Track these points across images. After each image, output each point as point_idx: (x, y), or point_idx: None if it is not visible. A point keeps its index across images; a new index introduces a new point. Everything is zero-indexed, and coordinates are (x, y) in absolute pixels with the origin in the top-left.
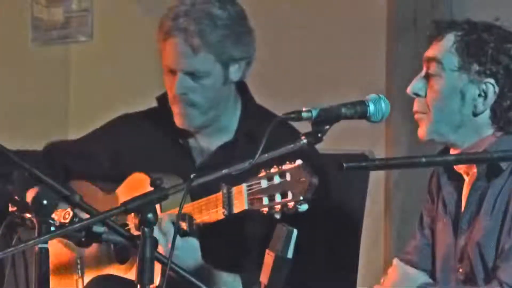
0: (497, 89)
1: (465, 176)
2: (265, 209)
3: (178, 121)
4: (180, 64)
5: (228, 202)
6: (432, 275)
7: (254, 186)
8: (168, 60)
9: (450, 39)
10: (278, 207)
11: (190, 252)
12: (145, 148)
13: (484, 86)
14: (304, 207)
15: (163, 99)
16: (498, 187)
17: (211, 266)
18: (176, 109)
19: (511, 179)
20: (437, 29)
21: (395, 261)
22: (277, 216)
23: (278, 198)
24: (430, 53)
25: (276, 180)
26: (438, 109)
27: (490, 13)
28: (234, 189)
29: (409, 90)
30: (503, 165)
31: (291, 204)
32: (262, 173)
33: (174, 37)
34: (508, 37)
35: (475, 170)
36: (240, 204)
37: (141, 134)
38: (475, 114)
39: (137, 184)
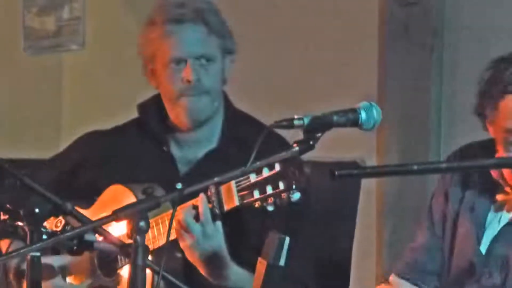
0: None
1: (508, 189)
2: (257, 203)
3: (187, 114)
4: (193, 48)
5: (218, 201)
6: (439, 278)
7: (243, 182)
8: (176, 50)
9: None
10: (270, 198)
11: (218, 237)
12: (125, 161)
13: None
14: (296, 195)
15: (145, 107)
16: None
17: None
18: (185, 101)
19: None
20: None
21: (392, 277)
22: (270, 209)
23: (269, 190)
24: None
25: (265, 172)
26: None
27: (483, 20)
28: (223, 187)
29: None
30: None
31: (284, 194)
32: (250, 169)
33: (183, 22)
34: None
35: None
36: (231, 201)
37: (118, 146)
38: None
39: (115, 196)
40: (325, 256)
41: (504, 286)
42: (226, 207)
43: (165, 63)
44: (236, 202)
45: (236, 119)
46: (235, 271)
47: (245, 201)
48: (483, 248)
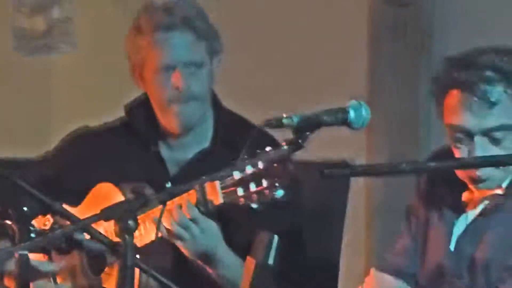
0: None
1: (472, 187)
2: (241, 200)
3: (178, 121)
4: (182, 55)
5: (202, 199)
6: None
7: (226, 179)
8: (164, 57)
9: (504, 99)
10: (254, 196)
11: (212, 232)
12: (113, 161)
13: None
14: (279, 192)
15: (133, 108)
16: None
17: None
18: (175, 108)
19: None
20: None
21: (373, 271)
22: (254, 206)
23: (252, 187)
24: (493, 121)
25: (249, 170)
26: None
27: (473, 20)
28: (207, 185)
29: (479, 175)
30: None
31: (266, 191)
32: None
33: (172, 29)
34: None
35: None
36: (215, 199)
37: (107, 146)
38: None
39: (103, 194)
40: (314, 255)
41: (473, 287)
42: (210, 205)
43: (154, 70)
44: (220, 200)
45: (227, 120)
46: (232, 261)
47: (228, 199)
48: (452, 248)
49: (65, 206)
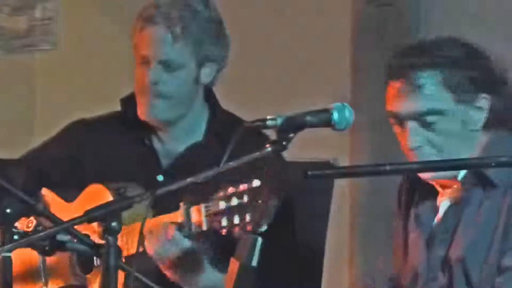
0: (489, 98)
1: (439, 188)
2: (224, 230)
3: (143, 112)
4: (157, 51)
5: (187, 222)
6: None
7: (212, 208)
8: (144, 49)
9: (431, 84)
10: (237, 228)
11: (196, 256)
12: (107, 153)
13: (481, 103)
14: (263, 229)
15: (127, 101)
16: (483, 200)
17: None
18: (143, 99)
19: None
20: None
21: None
22: (237, 236)
23: (236, 220)
24: (420, 106)
25: (234, 201)
26: (449, 147)
27: (457, 20)
28: (193, 209)
29: (410, 147)
30: (496, 181)
31: (249, 226)
32: (220, 194)
33: (155, 24)
34: (476, 51)
35: (456, 186)
36: (199, 225)
37: (101, 138)
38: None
39: (93, 195)
40: (297, 256)
41: (451, 285)
42: (194, 230)
43: (137, 59)
44: (204, 227)
45: (222, 117)
46: (211, 276)
47: (212, 227)
48: (426, 251)
49: (59, 199)
